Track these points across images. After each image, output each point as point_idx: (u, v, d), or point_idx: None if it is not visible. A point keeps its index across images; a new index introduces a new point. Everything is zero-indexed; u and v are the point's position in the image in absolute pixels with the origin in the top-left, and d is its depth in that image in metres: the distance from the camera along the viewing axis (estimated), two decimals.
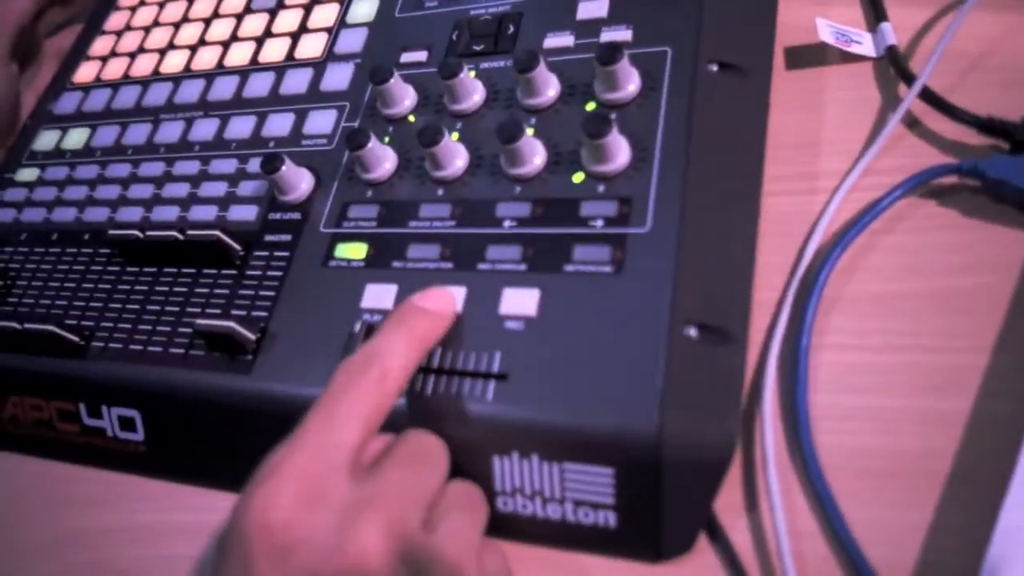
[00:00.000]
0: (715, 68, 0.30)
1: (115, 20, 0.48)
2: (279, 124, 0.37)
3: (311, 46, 0.39)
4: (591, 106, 0.31)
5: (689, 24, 0.31)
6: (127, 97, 0.43)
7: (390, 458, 0.23)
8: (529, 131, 0.31)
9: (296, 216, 0.33)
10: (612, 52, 0.29)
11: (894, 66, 0.32)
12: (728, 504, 0.25)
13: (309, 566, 0.20)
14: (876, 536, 0.24)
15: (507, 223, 0.29)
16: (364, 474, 0.22)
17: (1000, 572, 0.21)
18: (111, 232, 0.35)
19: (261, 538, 0.20)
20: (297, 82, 0.38)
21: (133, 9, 0.47)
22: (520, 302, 0.27)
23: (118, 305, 0.35)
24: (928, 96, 0.31)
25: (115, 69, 0.45)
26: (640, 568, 0.25)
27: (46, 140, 0.43)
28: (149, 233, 0.34)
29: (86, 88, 0.45)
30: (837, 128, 0.32)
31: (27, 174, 0.43)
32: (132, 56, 0.45)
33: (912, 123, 0.31)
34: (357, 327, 0.28)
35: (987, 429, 0.24)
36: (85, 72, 0.46)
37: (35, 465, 0.36)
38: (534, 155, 0.30)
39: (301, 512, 0.20)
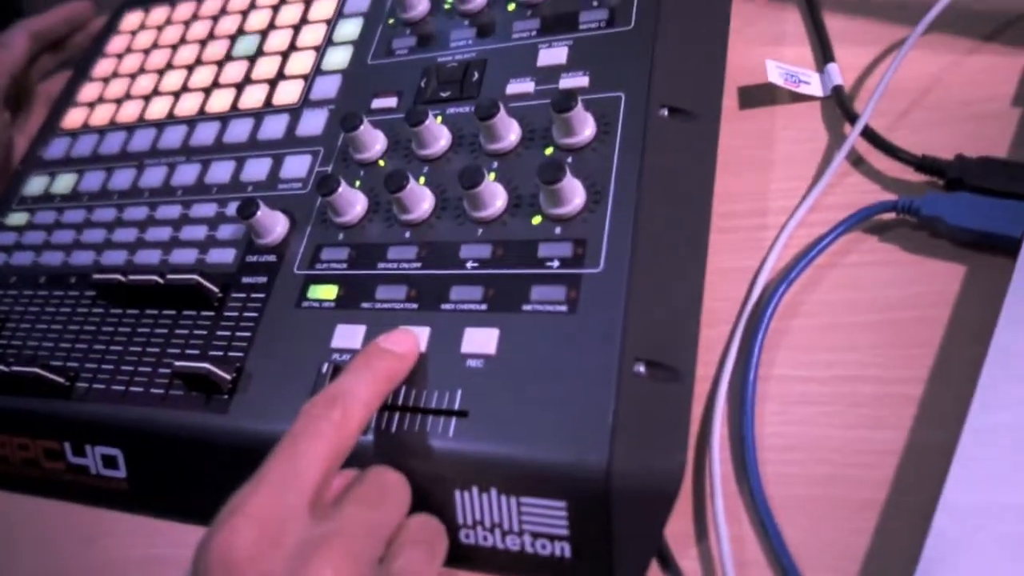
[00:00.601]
0: (666, 113, 0.32)
1: (102, 67, 0.49)
2: (257, 169, 0.39)
3: (288, 92, 0.41)
4: (550, 150, 0.32)
5: (641, 71, 0.33)
6: (113, 143, 0.44)
7: (350, 495, 0.25)
8: (491, 176, 0.32)
9: (272, 258, 0.35)
10: (567, 100, 0.31)
11: (839, 106, 0.34)
12: (680, 533, 0.27)
13: None
14: (819, 562, 0.25)
15: (469, 264, 0.31)
16: (325, 512, 0.23)
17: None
18: (95, 276, 0.36)
19: (221, 575, 0.21)
20: (274, 128, 0.40)
21: (120, 56, 0.49)
22: (480, 341, 0.29)
23: (102, 346, 0.36)
24: (870, 135, 0.32)
25: (102, 115, 0.46)
26: None
27: (36, 185, 0.45)
28: (131, 277, 0.35)
29: (74, 133, 0.46)
30: (786, 165, 0.34)
31: (17, 218, 0.44)
32: (118, 102, 0.46)
33: (856, 161, 0.33)
34: (325, 367, 0.29)
35: (922, 457, 0.25)
36: (73, 118, 0.47)
37: (21, 502, 0.37)
38: (495, 199, 0.31)
39: (261, 550, 0.21)
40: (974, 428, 0.24)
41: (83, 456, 0.35)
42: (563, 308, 0.28)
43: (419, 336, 0.29)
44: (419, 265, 0.32)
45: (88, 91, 0.48)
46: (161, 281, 0.34)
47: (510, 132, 0.33)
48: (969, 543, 0.22)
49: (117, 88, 0.47)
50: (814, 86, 0.35)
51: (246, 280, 0.35)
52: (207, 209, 0.38)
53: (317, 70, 0.41)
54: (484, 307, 0.29)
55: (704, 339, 0.30)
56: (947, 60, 0.34)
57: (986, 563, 0.22)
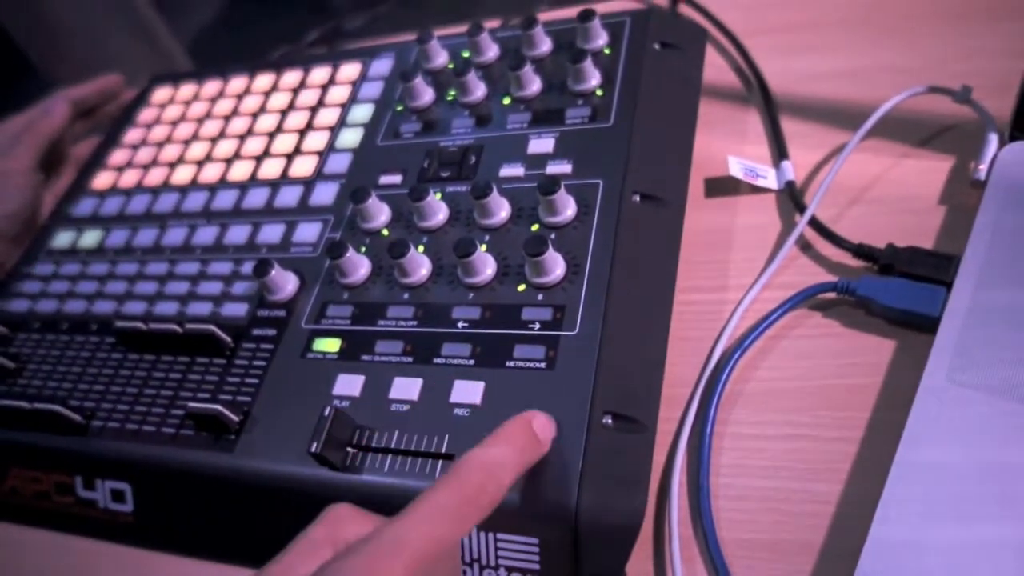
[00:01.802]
0: (638, 199, 0.36)
1: (132, 135, 0.54)
2: (272, 233, 0.43)
3: (303, 166, 0.45)
4: (535, 227, 0.36)
5: (618, 161, 0.37)
6: (139, 204, 0.48)
7: None
8: (483, 247, 0.36)
9: (281, 314, 0.38)
10: (551, 184, 0.35)
11: (791, 198, 0.39)
12: (640, 572, 0.29)
13: None
14: None
15: (460, 324, 0.34)
16: None
17: None
18: (118, 324, 0.40)
19: None
20: (289, 197, 0.44)
21: (149, 126, 0.54)
22: (467, 393, 0.32)
23: (118, 388, 0.39)
24: (816, 224, 0.37)
25: (130, 179, 0.51)
26: None
27: (63, 239, 0.49)
28: (152, 325, 0.39)
29: (102, 194, 0.51)
30: (744, 248, 0.38)
31: (43, 269, 0.48)
32: (146, 168, 0.51)
33: (804, 246, 0.37)
34: (327, 410, 0.32)
35: (856, 506, 0.28)
36: (103, 180, 0.52)
37: (29, 534, 0.39)
38: (486, 267, 0.35)
39: None
40: (896, 480, 0.27)
41: (93, 490, 0.37)
42: (542, 365, 0.32)
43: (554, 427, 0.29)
44: (415, 323, 0.35)
45: (118, 156, 0.53)
46: (180, 330, 0.38)
47: (501, 210, 0.37)
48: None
49: (145, 155, 0.52)
50: (770, 180, 0.40)
51: (256, 332, 0.38)
52: (223, 267, 0.42)
53: (331, 148, 0.46)
54: (472, 362, 0.33)
55: (668, 398, 0.33)
56: (886, 162, 0.39)
57: None
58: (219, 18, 2.24)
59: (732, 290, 0.37)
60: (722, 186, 0.41)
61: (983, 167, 0.35)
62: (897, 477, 0.27)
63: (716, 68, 0.48)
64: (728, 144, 0.43)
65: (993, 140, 0.36)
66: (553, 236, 0.36)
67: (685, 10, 0.53)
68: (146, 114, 0.55)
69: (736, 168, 0.40)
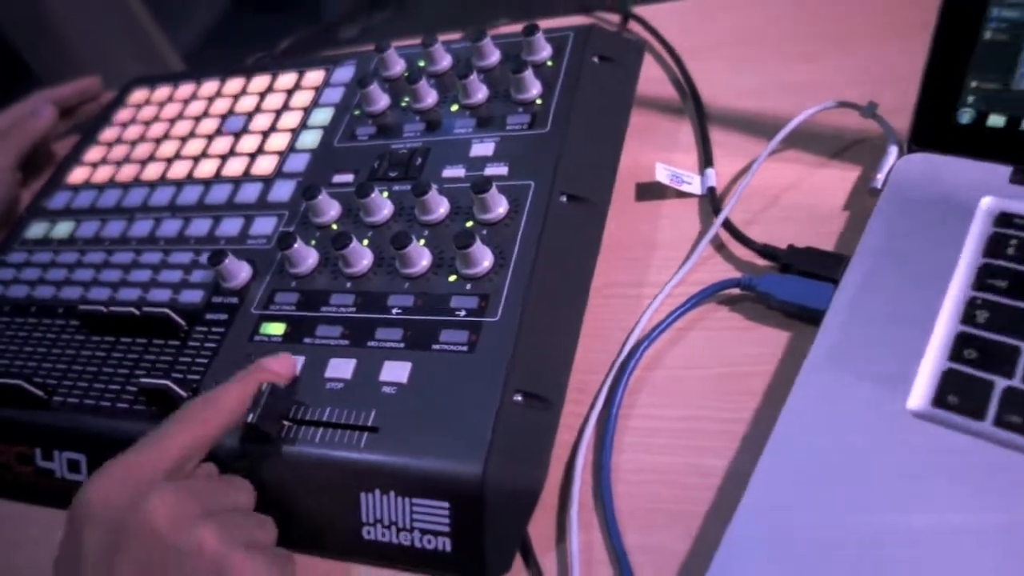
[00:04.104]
0: (565, 199, 0.39)
1: (108, 134, 0.57)
2: (231, 226, 0.45)
3: (264, 165, 0.48)
4: (470, 224, 0.39)
5: (550, 164, 0.40)
6: (110, 198, 0.51)
7: (200, 473, 0.32)
8: (421, 241, 0.39)
9: (234, 300, 0.41)
10: (484, 184, 0.38)
11: (711, 203, 0.42)
12: (544, 536, 0.32)
13: (111, 522, 0.28)
14: (650, 559, 0.30)
15: (395, 311, 0.37)
16: (178, 480, 0.30)
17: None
18: (81, 307, 0.42)
19: (85, 509, 0.28)
20: (249, 193, 0.47)
21: (124, 125, 0.57)
22: (395, 372, 0.35)
23: (79, 367, 0.42)
24: (729, 227, 0.40)
25: (103, 174, 0.53)
26: None
27: (37, 230, 0.52)
28: (112, 308, 0.41)
29: (76, 188, 0.53)
30: (665, 248, 0.41)
31: (16, 258, 0.50)
32: (118, 164, 0.54)
33: (719, 247, 0.40)
34: (264, 387, 0.35)
35: (737, 479, 0.31)
36: (77, 175, 0.55)
37: None
38: (421, 259, 0.38)
39: (112, 496, 0.28)
40: (769, 455, 0.30)
41: (51, 461, 0.40)
42: (464, 348, 0.34)
43: (297, 363, 0.36)
44: (354, 310, 0.38)
45: (93, 153, 0.56)
46: (137, 312, 0.40)
47: (440, 207, 0.40)
48: (754, 541, 0.28)
49: (119, 152, 0.55)
50: (694, 186, 0.43)
51: (210, 316, 0.41)
52: (184, 257, 0.45)
53: (291, 148, 0.49)
54: (402, 345, 0.36)
55: (584, 382, 0.36)
56: (800, 171, 0.42)
57: (766, 559, 0.27)
58: (216, 28, 2.28)
59: (650, 286, 0.39)
60: (651, 191, 0.44)
61: (880, 176, 0.38)
62: (771, 453, 0.30)
63: (656, 81, 0.51)
64: (660, 152, 0.46)
65: (893, 152, 0.39)
66: (485, 232, 0.39)
67: (633, 26, 0.56)
68: (122, 114, 0.58)
69: (663, 174, 0.43)
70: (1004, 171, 0.36)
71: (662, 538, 0.31)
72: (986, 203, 0.35)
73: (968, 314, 0.32)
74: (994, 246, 0.33)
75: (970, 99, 0.36)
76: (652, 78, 0.52)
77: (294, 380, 0.36)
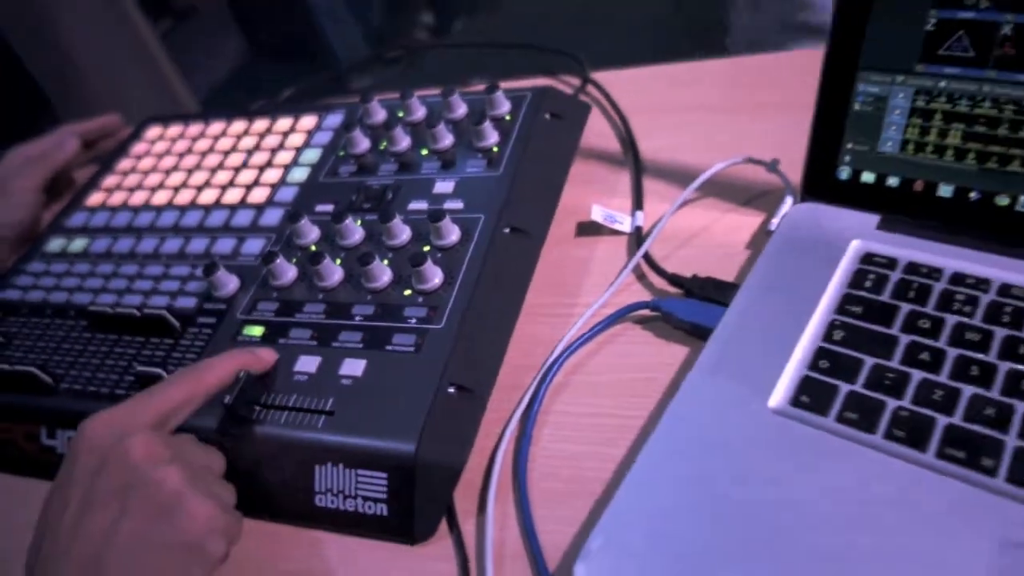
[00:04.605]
0: (508, 231, 0.46)
1: (124, 164, 0.64)
2: (225, 245, 0.52)
3: (258, 194, 0.56)
4: (427, 248, 0.46)
5: (499, 201, 0.47)
6: (122, 219, 0.58)
7: (181, 435, 0.38)
8: (385, 261, 0.46)
9: (222, 307, 0.48)
10: (438, 215, 0.45)
11: (637, 240, 0.48)
12: (468, 508, 0.38)
13: (97, 453, 0.34)
14: (553, 527, 0.36)
15: (357, 318, 0.44)
16: (161, 433, 0.36)
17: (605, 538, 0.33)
18: (89, 308, 0.49)
19: (81, 440, 0.35)
20: (243, 218, 0.54)
21: (139, 158, 0.64)
22: (353, 368, 0.41)
23: (85, 360, 0.48)
24: (648, 260, 0.46)
25: (117, 199, 0.61)
26: (403, 548, 0.37)
27: (55, 245, 0.59)
28: (116, 309, 0.48)
29: (93, 210, 0.61)
30: (596, 275, 0.48)
31: (36, 267, 0.57)
32: (131, 191, 0.61)
33: (640, 276, 0.47)
34: (240, 375, 0.41)
35: (628, 465, 0.37)
36: (95, 198, 0.62)
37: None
38: (383, 276, 0.45)
39: (102, 438, 0.35)
40: (651, 445, 0.36)
41: (54, 439, 0.46)
42: (412, 349, 0.41)
43: (276, 357, 0.42)
44: (323, 316, 0.45)
45: (110, 180, 0.63)
46: (138, 314, 0.47)
47: (403, 234, 0.47)
48: (634, 508, 0.34)
49: (132, 180, 0.62)
50: (624, 225, 0.50)
51: (201, 320, 0.47)
52: (182, 271, 0.52)
53: (283, 182, 0.56)
54: (360, 346, 0.42)
55: (515, 383, 0.42)
56: (714, 216, 0.49)
57: (642, 522, 0.33)
58: (234, 75, 2.41)
59: (580, 306, 0.46)
60: (589, 228, 0.51)
61: (775, 220, 0.45)
62: (654, 440, 0.36)
63: (604, 136, 0.59)
64: (601, 196, 0.53)
65: (788, 201, 0.46)
66: (439, 255, 0.45)
67: (591, 88, 0.64)
68: (138, 148, 0.66)
69: (598, 214, 0.50)
70: (873, 219, 0.43)
71: (564, 510, 0.36)
72: (855, 245, 0.42)
73: (828, 333, 0.38)
74: (856, 279, 0.40)
75: (847, 159, 0.43)
76: (601, 133, 0.59)
77: (268, 373, 0.42)
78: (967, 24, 0.37)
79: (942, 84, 0.39)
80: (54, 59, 1.65)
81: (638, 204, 0.51)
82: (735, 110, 0.56)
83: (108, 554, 0.32)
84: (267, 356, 0.42)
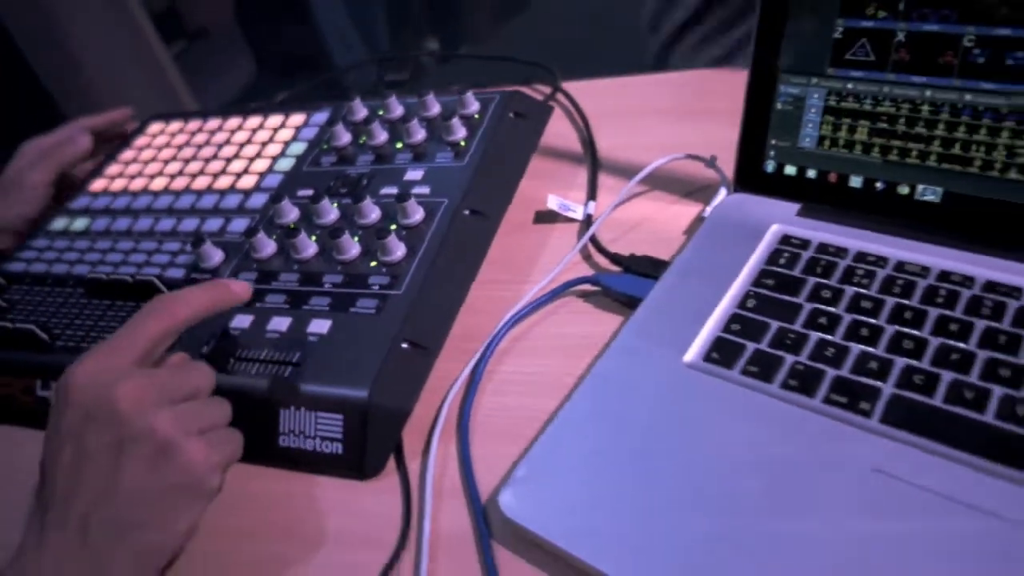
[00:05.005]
0: (468, 213, 0.51)
1: (127, 155, 0.70)
2: (213, 224, 0.57)
3: (247, 181, 0.61)
4: (394, 226, 0.51)
5: (461, 187, 0.52)
6: (121, 202, 0.63)
7: (165, 361, 0.40)
8: (355, 238, 0.51)
9: (208, 276, 0.52)
10: (404, 196, 0.50)
11: (587, 226, 0.53)
12: (416, 449, 0.42)
13: (85, 403, 0.35)
14: (487, 464, 0.40)
15: (327, 285, 0.48)
16: (145, 368, 0.38)
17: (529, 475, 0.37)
18: (87, 275, 0.54)
19: (66, 391, 0.36)
20: (232, 201, 0.59)
21: (141, 149, 0.70)
22: (319, 327, 0.46)
23: (80, 322, 0.52)
24: (594, 242, 0.51)
25: (119, 185, 0.66)
26: (355, 483, 0.41)
27: (59, 224, 0.64)
28: (111, 275, 0.52)
29: (95, 194, 0.66)
30: (550, 256, 0.52)
31: (40, 243, 0.62)
32: (132, 178, 0.66)
33: (587, 256, 0.51)
34: (218, 331, 0.46)
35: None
36: (98, 184, 0.67)
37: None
38: (352, 249, 0.49)
39: (87, 382, 0.36)
40: (574, 399, 0.40)
41: (48, 390, 0.50)
42: (373, 311, 0.45)
43: (249, 291, 0.44)
44: (296, 284, 0.49)
45: (113, 169, 0.68)
46: (130, 279, 0.52)
47: (372, 213, 0.52)
48: (558, 447, 0.38)
49: (133, 169, 0.67)
50: (577, 213, 0.55)
51: (171, 292, 0.52)
52: (173, 246, 0.57)
53: (270, 170, 0.61)
54: (328, 309, 0.47)
55: (467, 345, 0.46)
56: (658, 206, 0.54)
57: (561, 461, 0.37)
58: (241, 91, 2.49)
59: (531, 282, 0.50)
60: (545, 216, 0.56)
61: (709, 209, 0.50)
62: (579, 392, 0.40)
63: (568, 138, 0.64)
64: (560, 189, 0.58)
65: (722, 192, 0.51)
66: (404, 233, 0.50)
67: (561, 96, 0.69)
68: (141, 141, 0.71)
69: (553, 203, 0.55)
70: (795, 207, 0.47)
71: (500, 453, 0.40)
72: (774, 229, 0.46)
73: (742, 302, 0.42)
74: (772, 257, 0.44)
75: (772, 153, 0.48)
76: (565, 135, 0.64)
77: (239, 332, 0.46)
78: (868, 32, 0.42)
79: (849, 86, 0.44)
80: (71, 83, 1.72)
81: (591, 195, 0.56)
82: (685, 115, 0.61)
83: (108, 501, 0.35)
84: (239, 289, 0.43)
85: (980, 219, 0.42)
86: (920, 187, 0.43)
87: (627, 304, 0.46)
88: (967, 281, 0.40)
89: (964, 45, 0.40)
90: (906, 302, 0.40)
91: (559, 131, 0.65)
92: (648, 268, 0.47)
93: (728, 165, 0.52)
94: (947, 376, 0.36)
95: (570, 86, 0.70)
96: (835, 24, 0.43)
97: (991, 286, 0.39)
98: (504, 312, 0.49)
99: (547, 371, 0.44)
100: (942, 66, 0.41)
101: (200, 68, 2.38)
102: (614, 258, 0.49)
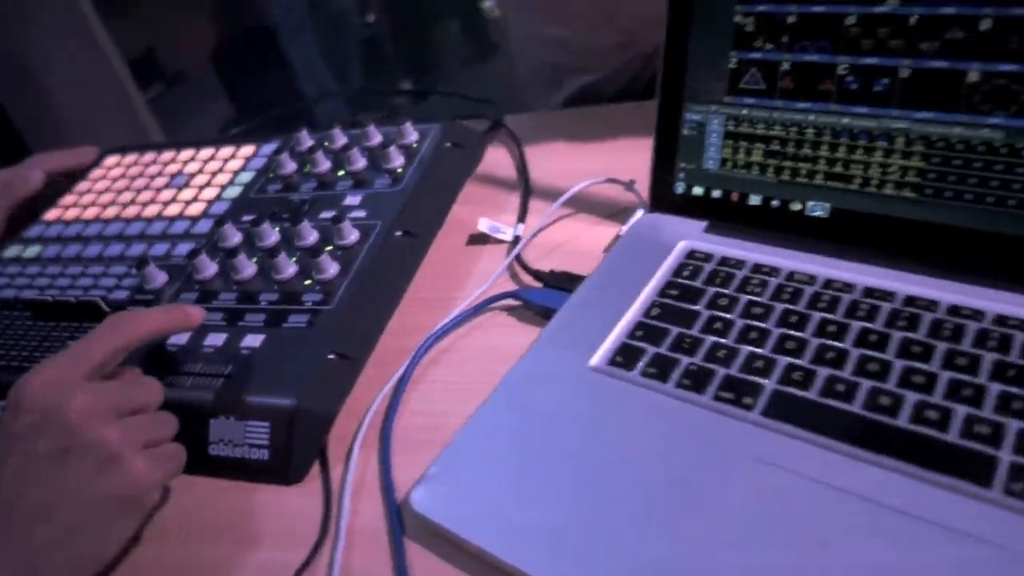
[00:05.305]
0: (400, 233, 0.54)
1: (83, 186, 0.72)
2: (160, 249, 0.60)
3: (195, 208, 0.63)
4: (330, 248, 0.54)
5: (395, 212, 0.55)
6: (73, 230, 0.66)
7: (115, 375, 0.41)
8: (293, 259, 0.53)
9: (151, 297, 0.55)
10: (339, 218, 0.53)
11: (514, 246, 0.56)
12: (340, 453, 0.44)
13: (37, 412, 0.37)
14: (406, 472, 0.42)
15: (263, 302, 0.51)
16: (97, 381, 0.40)
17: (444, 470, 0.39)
18: (32, 298, 0.56)
19: (20, 398, 0.38)
20: (179, 227, 0.61)
21: (96, 180, 0.72)
22: (252, 341, 0.48)
23: (25, 343, 0.54)
24: (520, 261, 0.54)
25: (72, 214, 0.68)
26: (282, 488, 0.43)
27: (12, 252, 0.66)
28: (56, 298, 0.54)
29: (49, 223, 0.68)
30: (480, 274, 0.55)
31: None
32: (85, 207, 0.68)
33: (514, 275, 0.54)
34: (157, 347, 0.48)
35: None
36: (52, 214, 0.69)
37: None
38: (288, 268, 0.52)
39: (40, 395, 0.38)
40: (486, 405, 0.42)
41: None
42: (304, 325, 0.48)
43: (201, 319, 0.47)
44: (234, 302, 0.52)
45: (68, 199, 0.71)
46: (73, 300, 0.54)
47: (310, 236, 0.55)
48: (467, 449, 0.40)
49: (88, 199, 0.70)
50: (506, 235, 0.58)
51: (131, 308, 0.54)
52: (120, 269, 0.59)
53: (218, 198, 0.64)
54: (262, 324, 0.49)
55: (395, 358, 0.49)
56: (582, 227, 0.57)
57: (472, 460, 0.40)
58: (218, 133, 2.53)
59: (460, 298, 0.53)
60: (478, 239, 0.59)
61: (625, 228, 0.53)
62: (493, 395, 0.43)
63: (505, 166, 0.67)
64: (494, 213, 0.61)
65: (639, 213, 0.54)
66: (339, 253, 0.53)
67: (504, 128, 0.73)
68: (97, 173, 0.74)
69: (484, 226, 0.58)
70: (702, 224, 0.51)
71: (420, 456, 0.42)
72: (681, 244, 0.50)
73: (647, 311, 0.45)
74: (678, 270, 0.48)
75: (681, 176, 0.52)
76: (502, 164, 0.68)
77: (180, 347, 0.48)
78: (757, 63, 0.47)
79: (744, 112, 0.48)
80: (45, 123, 1.75)
81: (521, 218, 0.59)
82: (614, 144, 0.65)
83: (52, 507, 0.36)
84: (195, 314, 0.46)
85: (864, 232, 0.45)
86: (810, 203, 0.47)
87: (546, 316, 0.49)
88: (848, 288, 0.43)
89: (839, 73, 0.44)
90: (793, 307, 0.43)
91: (499, 161, 0.68)
92: (565, 283, 0.50)
93: (645, 188, 0.55)
94: (823, 372, 0.39)
95: (516, 119, 0.74)
96: (729, 56, 0.47)
97: (869, 292, 0.43)
98: (433, 324, 0.51)
99: (469, 380, 0.47)
100: (822, 92, 0.45)
101: (176, 111, 2.41)
102: (536, 274, 0.52)
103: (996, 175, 0.40)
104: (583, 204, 0.58)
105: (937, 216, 0.43)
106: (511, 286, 0.54)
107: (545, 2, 0.81)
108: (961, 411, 0.35)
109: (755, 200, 0.49)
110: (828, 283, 0.44)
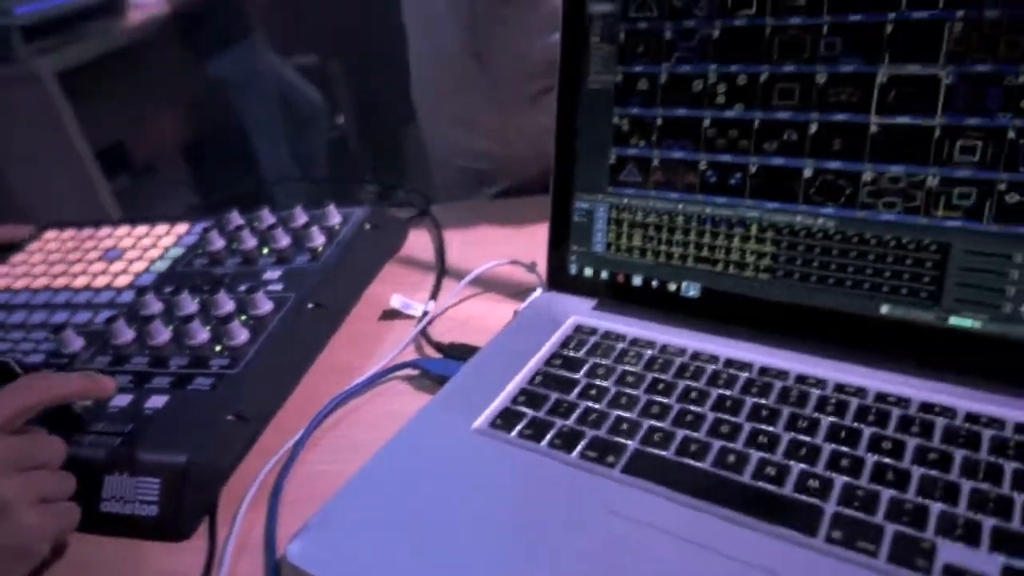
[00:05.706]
0: (312, 306, 0.57)
1: (18, 259, 0.74)
2: (83, 317, 0.62)
3: (123, 280, 0.66)
4: (243, 317, 0.56)
5: (309, 285, 0.59)
6: (1, 298, 0.67)
7: (19, 432, 0.43)
8: (208, 327, 0.56)
9: (65, 361, 0.56)
10: (253, 290, 0.56)
11: (420, 322, 0.60)
12: (230, 513, 0.45)
13: None
14: (295, 526, 0.43)
15: (173, 366, 0.53)
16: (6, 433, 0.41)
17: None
18: None
19: None
20: (105, 297, 0.64)
21: (32, 253, 0.75)
22: (156, 402, 0.50)
23: None
24: (425, 335, 0.57)
25: (2, 284, 0.70)
26: (169, 545, 0.44)
27: None
28: None
29: None
30: (390, 344, 0.58)
31: None
32: (17, 278, 0.71)
33: (419, 348, 0.58)
34: (62, 407, 0.49)
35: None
36: None
37: None
38: (200, 334, 0.55)
39: None
40: (373, 461, 0.45)
41: None
42: (208, 388, 0.50)
43: (111, 388, 0.49)
44: (146, 366, 0.54)
45: (1, 270, 0.73)
46: None
47: (226, 305, 0.58)
48: (347, 509, 0.42)
49: (21, 270, 0.72)
50: (416, 311, 0.61)
51: (45, 371, 0.56)
52: (40, 335, 0.61)
53: (146, 270, 0.67)
54: (168, 386, 0.51)
55: (298, 421, 0.51)
56: (488, 305, 0.61)
57: (351, 514, 0.41)
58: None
59: (369, 367, 0.56)
60: (391, 314, 0.62)
61: (523, 305, 0.57)
62: (377, 455, 0.45)
63: (425, 249, 0.72)
64: (409, 291, 0.65)
65: (538, 291, 0.59)
66: (252, 322, 0.56)
67: (428, 216, 0.78)
68: (34, 246, 0.76)
69: (396, 302, 0.61)
70: (592, 302, 0.55)
71: (308, 511, 0.44)
72: (571, 320, 0.54)
73: (532, 379, 0.49)
74: (565, 342, 0.51)
75: (573, 258, 0.56)
76: (427, 248, 0.72)
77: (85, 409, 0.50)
78: (633, 158, 0.52)
79: (625, 200, 0.53)
80: (8, 208, 1.77)
81: (433, 296, 0.63)
82: (529, 230, 0.70)
83: None
84: (108, 384, 0.48)
85: (729, 310, 0.50)
86: (684, 284, 0.52)
87: (443, 384, 0.52)
88: (712, 359, 0.47)
89: (700, 168, 0.50)
90: (661, 376, 0.47)
91: (424, 245, 0.73)
92: (462, 353, 0.53)
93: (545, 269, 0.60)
94: (680, 433, 0.42)
95: (446, 207, 0.80)
96: (610, 152, 0.53)
97: (729, 363, 0.47)
98: (338, 390, 0.54)
99: (366, 442, 0.49)
100: (688, 184, 0.50)
101: (146, 203, 2.45)
102: (437, 346, 0.55)
103: (832, 258, 0.46)
104: (490, 284, 0.63)
105: (790, 295, 0.48)
106: (415, 357, 0.57)
107: (463, 120, 0.90)
108: (796, 468, 0.39)
109: (637, 280, 0.54)
110: (695, 355, 0.48)
